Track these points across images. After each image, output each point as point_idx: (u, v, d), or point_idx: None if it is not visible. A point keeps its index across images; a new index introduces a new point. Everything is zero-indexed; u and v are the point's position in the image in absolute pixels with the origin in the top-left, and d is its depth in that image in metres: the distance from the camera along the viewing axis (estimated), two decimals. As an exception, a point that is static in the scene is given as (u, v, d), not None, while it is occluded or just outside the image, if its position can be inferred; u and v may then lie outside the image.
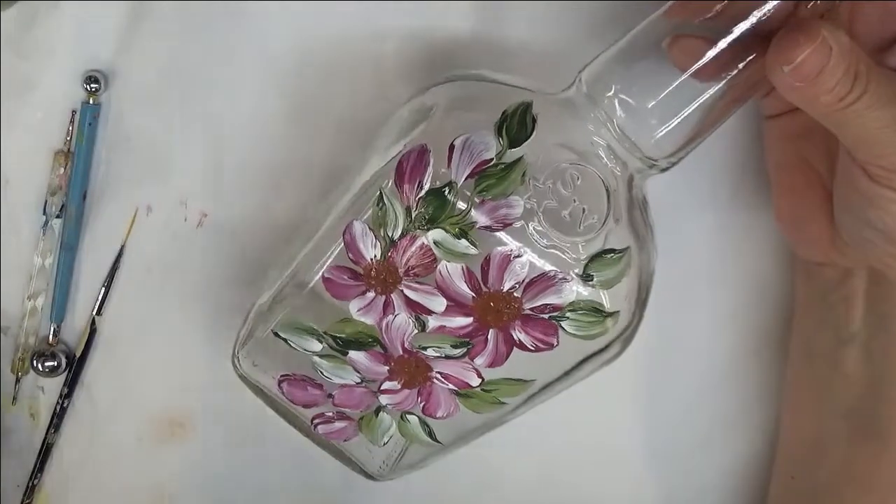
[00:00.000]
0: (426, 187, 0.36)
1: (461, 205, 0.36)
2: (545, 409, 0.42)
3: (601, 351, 0.39)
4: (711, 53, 0.35)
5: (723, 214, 0.49)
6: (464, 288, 0.37)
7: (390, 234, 0.37)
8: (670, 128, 0.36)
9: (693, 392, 0.51)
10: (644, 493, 0.53)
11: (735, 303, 0.50)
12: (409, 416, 0.41)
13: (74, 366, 0.50)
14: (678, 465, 0.52)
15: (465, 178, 0.36)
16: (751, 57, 0.35)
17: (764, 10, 0.34)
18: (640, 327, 0.40)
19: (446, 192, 0.36)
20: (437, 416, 0.41)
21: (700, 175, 0.48)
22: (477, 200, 0.36)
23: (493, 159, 0.36)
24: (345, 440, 0.43)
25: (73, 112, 0.46)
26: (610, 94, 0.36)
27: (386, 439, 0.42)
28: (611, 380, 0.48)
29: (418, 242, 0.36)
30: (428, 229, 0.36)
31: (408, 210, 0.36)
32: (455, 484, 0.52)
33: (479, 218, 0.36)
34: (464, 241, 0.36)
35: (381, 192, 0.37)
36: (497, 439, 0.44)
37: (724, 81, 0.35)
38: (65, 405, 0.50)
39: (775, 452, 0.50)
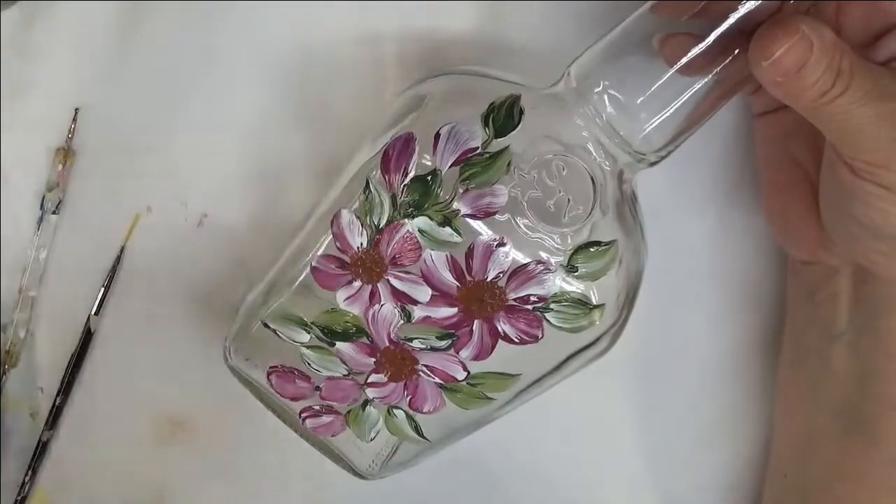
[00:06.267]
0: (411, 175, 0.36)
1: (445, 193, 0.36)
2: (542, 408, 0.42)
3: (588, 346, 0.39)
4: (697, 49, 0.35)
5: (722, 214, 0.48)
6: (448, 277, 0.37)
7: (376, 222, 0.37)
8: (659, 122, 0.36)
9: (691, 391, 0.51)
10: (641, 492, 0.52)
11: (733, 302, 0.50)
12: (395, 411, 0.41)
13: (72, 365, 0.50)
14: (676, 464, 0.52)
15: (450, 166, 0.36)
16: (736, 52, 0.35)
17: (746, 7, 0.34)
18: (636, 326, 0.40)
19: (430, 180, 0.36)
20: (424, 410, 0.40)
21: (699, 175, 0.48)
22: (461, 189, 0.36)
23: (478, 148, 0.36)
24: (332, 435, 0.43)
25: (77, 110, 0.47)
26: (598, 89, 0.36)
27: (373, 434, 0.42)
28: (608, 378, 0.49)
29: (403, 230, 0.36)
30: (412, 217, 0.36)
31: (393, 198, 0.36)
32: (451, 483, 0.52)
33: (463, 206, 0.36)
34: (447, 230, 0.36)
35: (367, 181, 0.37)
36: (495, 438, 0.44)
37: (711, 76, 0.35)
38: (59, 402, 0.50)
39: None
